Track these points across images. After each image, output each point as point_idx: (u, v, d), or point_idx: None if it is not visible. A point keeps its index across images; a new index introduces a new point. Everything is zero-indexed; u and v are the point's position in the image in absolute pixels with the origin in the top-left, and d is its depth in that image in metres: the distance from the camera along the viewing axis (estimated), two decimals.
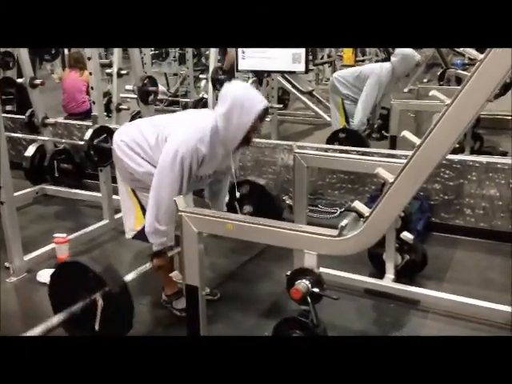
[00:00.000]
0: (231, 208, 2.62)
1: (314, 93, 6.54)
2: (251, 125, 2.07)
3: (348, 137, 4.13)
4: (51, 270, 2.40)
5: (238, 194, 2.55)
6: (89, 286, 2.01)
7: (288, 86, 6.09)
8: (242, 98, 2.06)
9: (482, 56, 1.42)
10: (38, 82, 3.72)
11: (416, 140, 1.56)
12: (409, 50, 4.41)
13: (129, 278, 2.19)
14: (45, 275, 2.73)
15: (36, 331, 1.92)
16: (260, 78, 6.07)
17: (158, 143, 2.19)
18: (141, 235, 2.29)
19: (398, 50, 4.54)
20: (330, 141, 4.20)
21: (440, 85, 5.70)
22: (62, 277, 2.15)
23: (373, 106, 4.30)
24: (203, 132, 2.11)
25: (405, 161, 1.59)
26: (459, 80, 5.63)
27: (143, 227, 2.24)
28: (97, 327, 1.97)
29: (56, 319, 1.99)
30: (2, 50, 5.59)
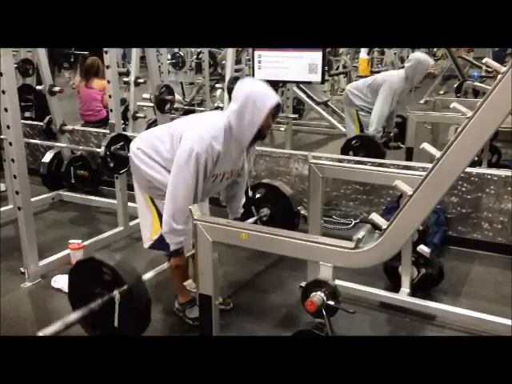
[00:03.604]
0: (248, 212, 2.60)
1: (329, 103, 6.53)
2: (264, 121, 2.06)
3: (362, 144, 4.06)
4: (66, 276, 2.40)
5: (250, 193, 2.53)
6: (106, 283, 1.99)
7: (303, 96, 6.09)
8: (254, 94, 2.04)
9: (504, 68, 1.40)
10: (56, 89, 3.77)
11: (436, 152, 1.54)
12: (422, 55, 4.29)
13: (147, 276, 2.16)
14: (59, 281, 2.75)
15: (53, 328, 1.89)
16: (275, 87, 6.11)
17: (173, 145, 2.18)
18: (157, 244, 2.30)
19: (411, 56, 4.43)
20: (344, 150, 4.14)
21: (457, 97, 5.65)
22: (79, 275, 2.13)
23: (388, 113, 4.22)
24: (217, 130, 2.11)
25: (422, 173, 1.56)
26: (476, 92, 5.59)
27: (160, 236, 2.24)
28: (116, 324, 1.94)
29: (74, 316, 1.97)
30: (22, 57, 5.70)
